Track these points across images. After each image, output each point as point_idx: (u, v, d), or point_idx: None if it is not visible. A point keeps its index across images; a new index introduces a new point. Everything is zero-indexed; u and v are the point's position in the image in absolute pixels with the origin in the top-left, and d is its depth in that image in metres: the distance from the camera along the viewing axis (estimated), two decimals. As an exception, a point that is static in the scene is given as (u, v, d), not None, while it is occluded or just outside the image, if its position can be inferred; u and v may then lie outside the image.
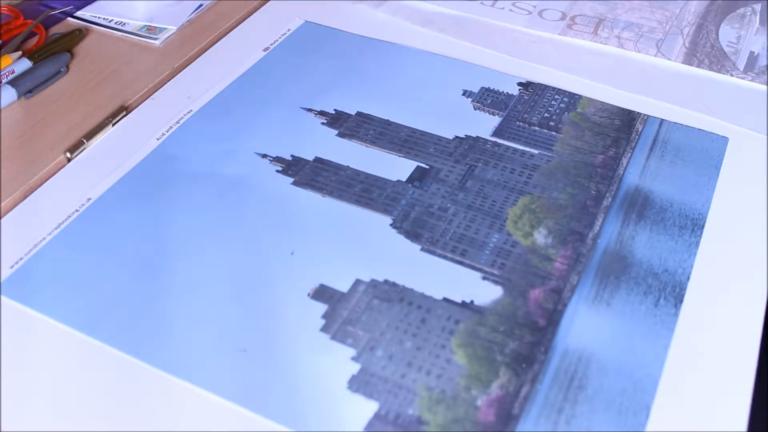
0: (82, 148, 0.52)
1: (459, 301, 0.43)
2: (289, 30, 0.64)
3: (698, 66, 0.60)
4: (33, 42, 0.61)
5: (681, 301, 0.43)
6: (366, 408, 0.38)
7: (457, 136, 0.54)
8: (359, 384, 0.39)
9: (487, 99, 0.57)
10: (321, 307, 0.42)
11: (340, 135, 0.54)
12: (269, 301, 0.43)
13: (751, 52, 0.62)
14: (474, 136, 0.54)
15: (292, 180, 0.50)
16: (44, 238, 0.46)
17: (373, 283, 0.44)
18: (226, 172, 0.51)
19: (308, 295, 0.43)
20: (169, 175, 0.50)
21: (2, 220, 0.47)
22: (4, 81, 0.55)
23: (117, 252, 0.45)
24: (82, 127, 0.54)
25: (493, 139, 0.54)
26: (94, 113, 0.55)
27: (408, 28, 0.64)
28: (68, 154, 0.52)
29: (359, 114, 0.55)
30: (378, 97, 0.57)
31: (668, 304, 0.43)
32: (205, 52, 0.61)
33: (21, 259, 0.45)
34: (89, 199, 0.48)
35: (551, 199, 0.49)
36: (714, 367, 0.40)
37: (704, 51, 0.62)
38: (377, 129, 0.54)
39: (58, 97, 0.56)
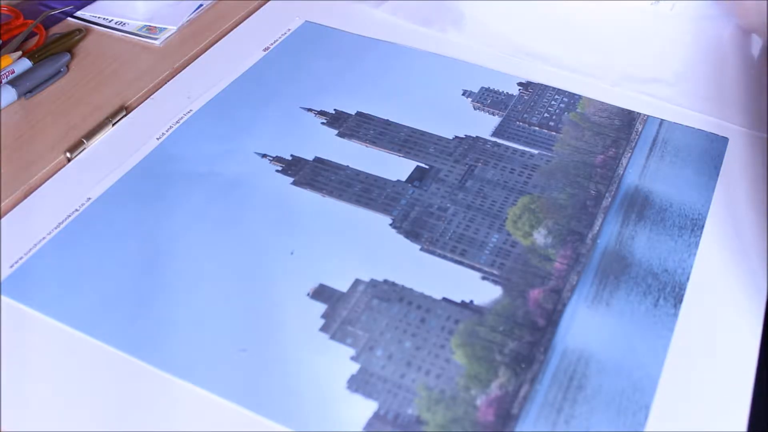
0: (82, 148, 0.52)
1: (458, 300, 0.43)
2: (289, 30, 0.64)
3: None
4: (33, 42, 0.61)
5: (680, 302, 0.43)
6: (365, 408, 0.38)
7: (457, 136, 0.54)
8: (358, 384, 0.39)
9: (487, 99, 0.57)
10: (320, 307, 0.42)
11: (340, 135, 0.54)
12: (269, 301, 0.43)
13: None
14: (474, 136, 0.54)
15: (292, 180, 0.50)
16: (44, 238, 0.46)
17: (373, 283, 0.44)
18: (226, 172, 0.51)
19: (308, 294, 0.43)
20: (169, 175, 0.50)
21: (2, 220, 0.47)
22: (4, 81, 0.55)
23: (117, 252, 0.45)
24: (82, 127, 0.54)
25: (493, 139, 0.54)
26: (94, 113, 0.55)
27: (408, 28, 0.64)
28: (68, 154, 0.52)
29: (359, 114, 0.55)
30: (378, 97, 0.57)
31: (668, 305, 0.43)
32: (205, 52, 0.61)
33: (21, 258, 0.45)
34: (89, 198, 0.49)
35: (551, 199, 0.49)
36: (713, 367, 0.40)
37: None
38: (377, 129, 0.54)
39: (58, 97, 0.56)
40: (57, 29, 0.63)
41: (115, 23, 0.63)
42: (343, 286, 0.44)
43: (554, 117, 0.56)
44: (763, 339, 0.42)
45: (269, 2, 0.67)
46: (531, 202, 0.49)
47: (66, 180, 0.50)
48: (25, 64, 0.57)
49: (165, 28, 0.63)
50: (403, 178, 0.51)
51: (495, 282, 0.44)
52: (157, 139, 0.53)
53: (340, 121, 0.55)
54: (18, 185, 0.49)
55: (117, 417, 0.38)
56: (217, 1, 0.67)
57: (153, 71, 0.59)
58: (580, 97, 0.57)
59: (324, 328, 0.41)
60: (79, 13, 0.64)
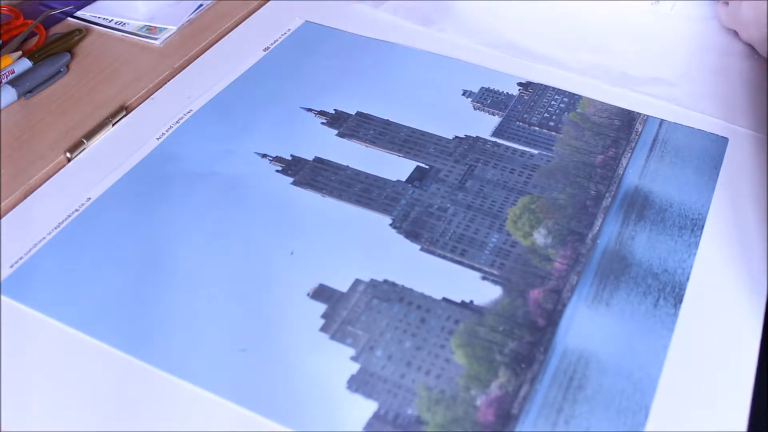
0: (82, 148, 0.52)
1: (458, 300, 0.43)
2: (289, 30, 0.64)
3: None
4: (33, 42, 0.61)
5: (680, 302, 0.43)
6: (365, 408, 0.38)
7: (457, 136, 0.54)
8: (358, 384, 0.39)
9: (487, 99, 0.57)
10: (320, 307, 0.42)
11: (340, 135, 0.54)
12: (269, 301, 0.43)
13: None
14: (474, 136, 0.54)
15: (292, 180, 0.50)
16: (44, 238, 0.46)
17: (373, 283, 0.44)
18: (225, 172, 0.51)
19: (308, 294, 0.43)
20: (169, 175, 0.50)
21: (2, 220, 0.47)
22: (4, 81, 0.55)
23: (117, 252, 0.45)
24: (82, 127, 0.54)
25: (493, 139, 0.54)
26: (94, 113, 0.55)
27: (408, 28, 0.64)
28: (68, 154, 0.52)
29: (359, 114, 0.55)
30: (378, 97, 0.57)
31: (667, 305, 0.43)
32: (205, 52, 0.61)
33: (21, 258, 0.45)
34: (89, 198, 0.49)
35: (551, 199, 0.49)
36: (713, 367, 0.40)
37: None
38: (377, 129, 0.54)
39: (58, 97, 0.56)
40: (57, 29, 0.63)
41: (115, 23, 0.63)
42: (343, 286, 0.44)
43: (554, 117, 0.56)
44: (763, 339, 0.42)
45: (269, 2, 0.67)
46: (531, 202, 0.49)
47: (66, 180, 0.50)
48: (25, 64, 0.57)
49: (165, 28, 0.63)
50: (403, 178, 0.51)
51: (495, 282, 0.44)
52: (157, 139, 0.53)
53: (340, 121, 0.55)
54: (18, 185, 0.49)
55: (117, 417, 0.38)
56: (217, 1, 0.67)
57: (153, 71, 0.59)
58: (580, 97, 0.57)
59: (324, 328, 0.41)
60: (79, 13, 0.64)
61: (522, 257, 0.45)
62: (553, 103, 0.57)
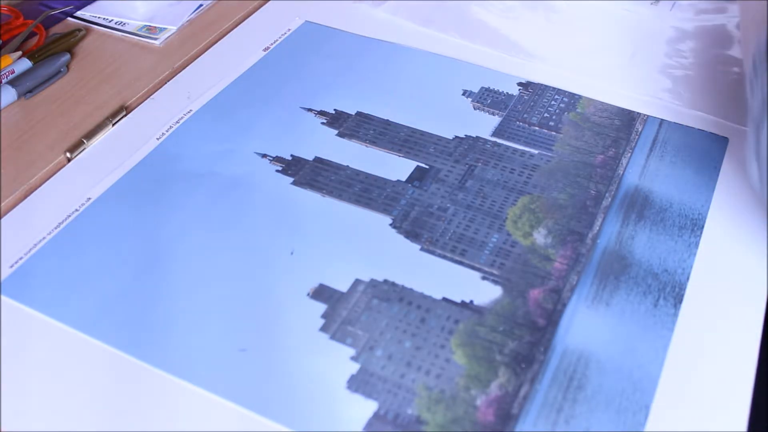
0: (82, 148, 0.52)
1: (458, 300, 0.43)
2: (289, 30, 0.64)
3: None
4: (33, 42, 0.61)
5: (680, 302, 0.43)
6: (365, 407, 0.38)
7: (456, 136, 0.54)
8: (358, 384, 0.39)
9: (487, 99, 0.57)
10: (320, 307, 0.42)
11: (339, 135, 0.54)
12: (269, 301, 0.43)
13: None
14: (474, 136, 0.54)
15: (291, 180, 0.50)
16: (44, 238, 0.46)
17: (373, 283, 0.44)
18: (226, 172, 0.51)
19: (308, 294, 0.43)
20: (169, 175, 0.50)
21: (2, 220, 0.47)
22: (4, 81, 0.55)
23: (117, 252, 0.45)
24: (82, 127, 0.54)
25: (493, 139, 0.54)
26: (94, 113, 0.55)
27: (408, 28, 0.64)
28: (68, 154, 0.52)
29: (359, 114, 0.55)
30: (378, 97, 0.57)
31: (668, 304, 0.43)
32: (205, 52, 0.61)
33: (21, 258, 0.45)
34: (89, 198, 0.49)
35: (551, 199, 0.49)
36: (713, 367, 0.40)
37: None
38: (377, 129, 0.54)
39: (58, 97, 0.56)
40: (57, 29, 0.63)
41: (115, 23, 0.63)
42: (343, 286, 0.44)
43: (554, 117, 0.56)
44: (763, 339, 0.42)
45: (269, 2, 0.67)
46: (531, 202, 0.49)
47: (66, 180, 0.50)
48: (25, 64, 0.57)
49: (165, 28, 0.63)
50: (403, 178, 0.51)
51: (495, 282, 0.44)
52: (157, 139, 0.53)
53: (340, 121, 0.55)
54: (18, 185, 0.49)
55: (117, 417, 0.38)
56: (217, 1, 0.67)
57: (153, 71, 0.59)
58: (580, 97, 0.57)
59: (324, 328, 0.41)
60: (79, 13, 0.64)
61: (522, 257, 0.45)
62: (553, 103, 0.57)
